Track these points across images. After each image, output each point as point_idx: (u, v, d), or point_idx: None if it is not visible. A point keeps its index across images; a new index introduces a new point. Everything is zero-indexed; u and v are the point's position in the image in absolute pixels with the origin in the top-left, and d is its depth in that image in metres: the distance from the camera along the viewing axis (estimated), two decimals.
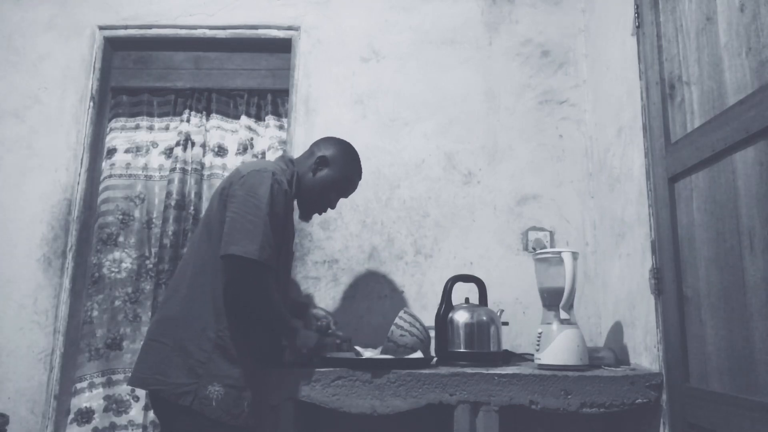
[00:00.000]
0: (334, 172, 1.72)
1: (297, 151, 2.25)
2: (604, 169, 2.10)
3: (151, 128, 2.46)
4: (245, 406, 1.46)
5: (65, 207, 2.28)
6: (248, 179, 1.52)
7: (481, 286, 1.90)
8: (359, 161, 1.81)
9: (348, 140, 1.81)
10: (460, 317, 1.77)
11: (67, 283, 2.21)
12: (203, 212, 2.13)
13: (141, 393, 2.17)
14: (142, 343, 1.56)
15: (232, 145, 2.43)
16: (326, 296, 2.18)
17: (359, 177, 1.82)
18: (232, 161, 2.38)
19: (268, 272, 1.48)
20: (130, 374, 1.57)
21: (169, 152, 2.41)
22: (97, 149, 2.40)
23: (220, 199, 1.54)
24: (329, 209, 1.81)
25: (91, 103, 2.37)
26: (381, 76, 2.35)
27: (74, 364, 2.20)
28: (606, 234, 2.08)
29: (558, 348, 1.66)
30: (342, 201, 2.21)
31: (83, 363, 2.19)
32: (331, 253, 2.22)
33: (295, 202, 1.81)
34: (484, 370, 1.61)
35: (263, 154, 2.39)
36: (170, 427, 1.49)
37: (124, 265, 2.29)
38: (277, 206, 1.50)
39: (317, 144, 1.78)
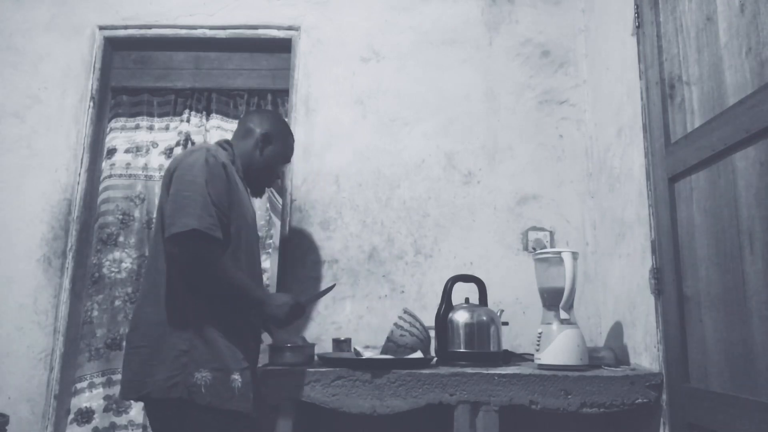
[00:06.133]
0: (278, 146, 1.75)
1: (298, 154, 2.25)
2: (604, 169, 2.10)
3: (151, 128, 2.46)
4: (236, 389, 1.42)
5: (65, 207, 2.28)
6: (182, 161, 1.51)
7: (481, 286, 1.90)
8: (288, 125, 1.86)
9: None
10: (460, 317, 1.77)
11: (67, 283, 2.21)
12: None
13: None
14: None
15: None
16: (326, 296, 2.17)
17: (294, 140, 1.87)
18: None
19: (214, 242, 1.43)
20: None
21: (169, 152, 2.41)
22: (97, 149, 2.40)
23: (167, 189, 1.51)
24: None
25: (91, 103, 2.37)
26: (381, 76, 2.35)
27: (74, 364, 2.20)
28: (606, 234, 2.08)
29: (558, 348, 1.66)
30: (342, 201, 2.24)
31: (83, 363, 2.19)
32: (331, 253, 2.21)
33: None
34: (484, 370, 1.61)
35: None
36: (166, 426, 1.45)
37: (124, 265, 2.29)
38: (215, 179, 1.47)
39: (250, 121, 1.76)
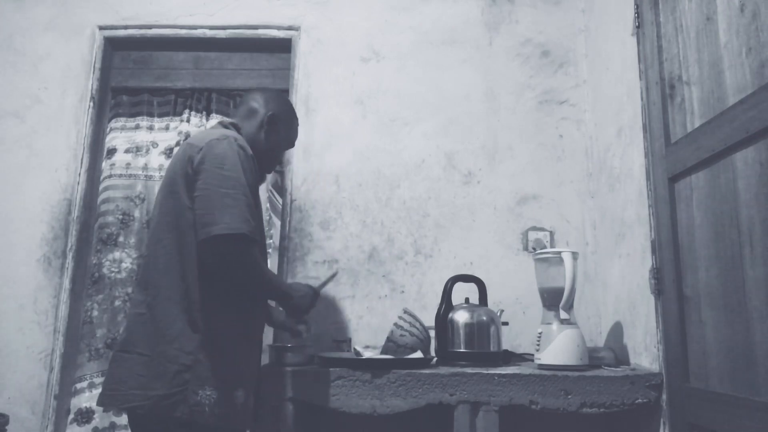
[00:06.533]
0: (285, 130, 1.64)
1: (298, 154, 2.26)
2: (604, 169, 2.10)
3: (151, 128, 2.46)
4: (239, 406, 1.34)
5: (65, 207, 2.28)
6: (209, 151, 1.36)
7: (481, 286, 1.90)
8: (293, 106, 1.75)
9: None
10: (460, 317, 1.77)
11: (67, 283, 2.21)
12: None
13: None
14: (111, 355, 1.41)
15: None
16: (326, 296, 2.17)
17: (298, 122, 1.75)
18: None
19: (255, 245, 1.36)
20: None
21: (169, 152, 2.41)
22: (97, 149, 2.40)
23: (186, 181, 1.37)
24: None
25: (91, 103, 2.37)
26: (381, 76, 2.35)
27: (74, 364, 2.20)
28: (606, 234, 2.08)
29: (558, 348, 1.66)
30: (342, 201, 2.24)
31: (83, 363, 2.19)
32: (331, 253, 2.21)
33: None
34: (484, 370, 1.61)
35: None
36: None
37: (124, 265, 2.29)
38: (248, 173, 1.37)
39: (254, 100, 1.61)
